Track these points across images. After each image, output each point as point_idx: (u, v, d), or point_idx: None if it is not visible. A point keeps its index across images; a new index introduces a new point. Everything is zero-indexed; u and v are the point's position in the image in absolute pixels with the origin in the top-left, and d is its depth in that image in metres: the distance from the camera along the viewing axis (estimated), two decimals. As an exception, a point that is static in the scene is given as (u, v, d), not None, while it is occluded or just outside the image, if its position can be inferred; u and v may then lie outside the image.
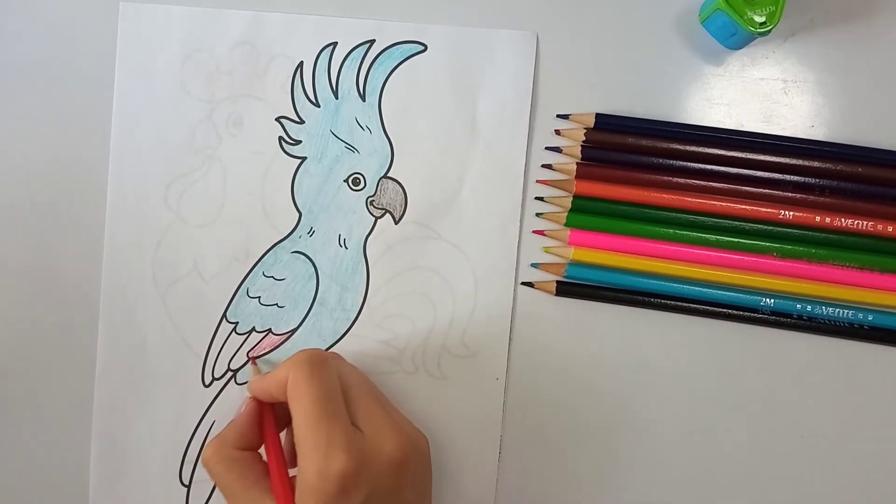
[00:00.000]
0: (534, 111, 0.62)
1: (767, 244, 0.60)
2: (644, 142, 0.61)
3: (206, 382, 0.64)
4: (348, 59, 0.63)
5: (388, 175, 0.63)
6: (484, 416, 0.63)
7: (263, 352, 0.64)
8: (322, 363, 0.54)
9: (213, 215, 0.64)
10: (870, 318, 0.60)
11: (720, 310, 0.61)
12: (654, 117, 0.61)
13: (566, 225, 0.62)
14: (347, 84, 0.63)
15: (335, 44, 0.63)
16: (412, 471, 0.54)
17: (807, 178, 0.60)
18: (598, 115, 0.61)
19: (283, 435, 0.57)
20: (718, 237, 0.61)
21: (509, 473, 0.63)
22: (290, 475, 0.53)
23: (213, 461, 0.55)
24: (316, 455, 0.50)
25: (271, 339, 0.64)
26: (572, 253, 0.61)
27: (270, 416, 0.57)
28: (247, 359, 0.64)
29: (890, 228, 0.60)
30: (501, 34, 0.62)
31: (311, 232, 0.63)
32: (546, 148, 0.62)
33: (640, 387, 0.62)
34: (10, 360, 0.65)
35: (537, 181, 0.62)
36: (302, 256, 0.63)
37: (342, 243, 0.63)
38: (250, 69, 0.63)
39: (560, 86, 0.62)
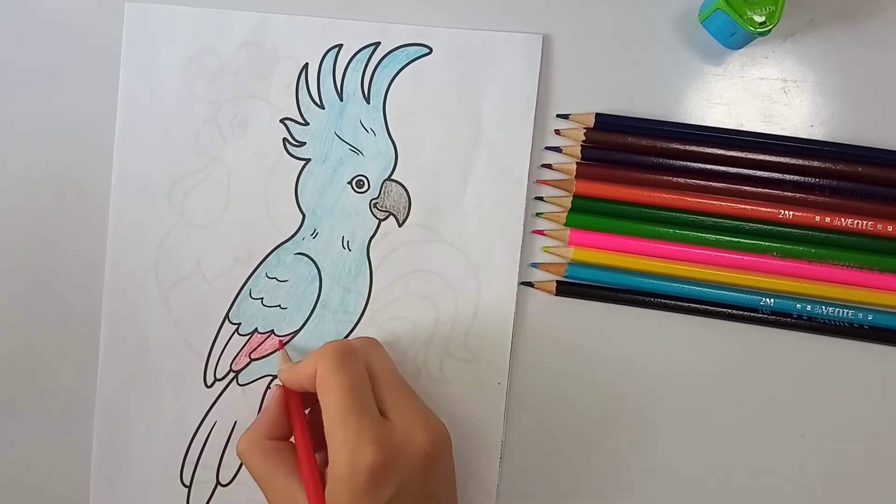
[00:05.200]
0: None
1: (767, 244, 0.60)
2: (644, 142, 0.61)
3: (208, 383, 0.64)
4: (353, 61, 0.63)
5: (392, 178, 0.63)
6: (485, 419, 0.63)
7: (265, 353, 0.64)
8: (350, 355, 0.54)
9: (216, 216, 0.64)
10: (870, 318, 0.60)
11: (720, 310, 0.61)
12: (654, 117, 0.61)
13: (566, 225, 0.62)
14: (352, 86, 0.63)
15: (340, 46, 0.63)
16: (441, 464, 0.54)
17: (807, 178, 0.60)
18: (597, 115, 0.61)
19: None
20: (718, 237, 0.60)
21: (511, 475, 0.63)
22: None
23: (248, 453, 0.56)
24: (346, 449, 0.51)
25: (274, 341, 0.64)
26: (572, 253, 0.61)
27: (298, 405, 0.58)
28: (248, 360, 0.64)
29: (890, 228, 0.59)
30: (507, 37, 0.62)
31: (314, 234, 0.63)
32: (546, 148, 0.62)
33: (639, 387, 0.62)
34: (12, 360, 0.66)
35: (537, 181, 0.62)
36: (305, 258, 0.64)
37: (345, 245, 0.63)
38: (255, 70, 0.63)
39: (560, 85, 0.62)
